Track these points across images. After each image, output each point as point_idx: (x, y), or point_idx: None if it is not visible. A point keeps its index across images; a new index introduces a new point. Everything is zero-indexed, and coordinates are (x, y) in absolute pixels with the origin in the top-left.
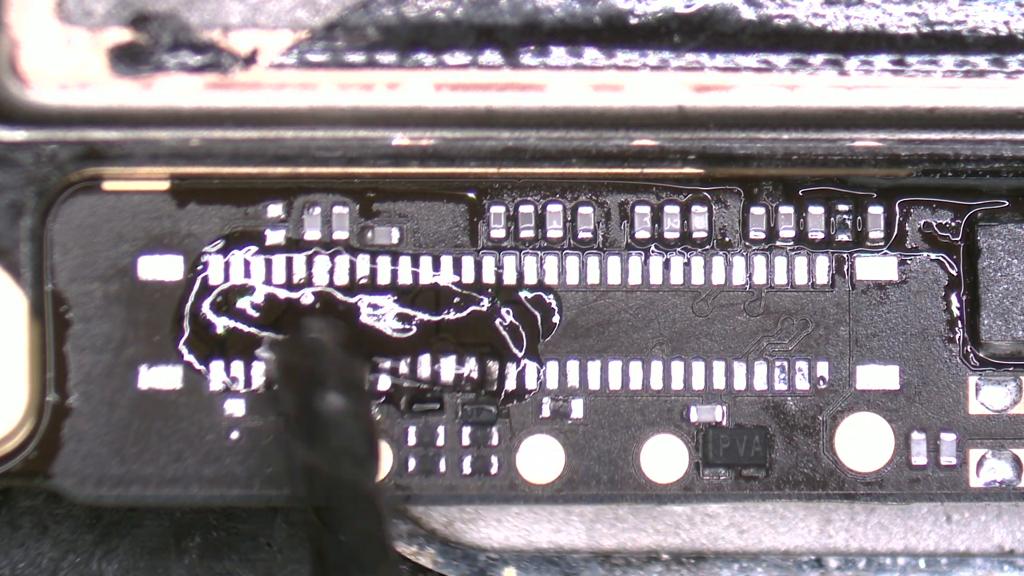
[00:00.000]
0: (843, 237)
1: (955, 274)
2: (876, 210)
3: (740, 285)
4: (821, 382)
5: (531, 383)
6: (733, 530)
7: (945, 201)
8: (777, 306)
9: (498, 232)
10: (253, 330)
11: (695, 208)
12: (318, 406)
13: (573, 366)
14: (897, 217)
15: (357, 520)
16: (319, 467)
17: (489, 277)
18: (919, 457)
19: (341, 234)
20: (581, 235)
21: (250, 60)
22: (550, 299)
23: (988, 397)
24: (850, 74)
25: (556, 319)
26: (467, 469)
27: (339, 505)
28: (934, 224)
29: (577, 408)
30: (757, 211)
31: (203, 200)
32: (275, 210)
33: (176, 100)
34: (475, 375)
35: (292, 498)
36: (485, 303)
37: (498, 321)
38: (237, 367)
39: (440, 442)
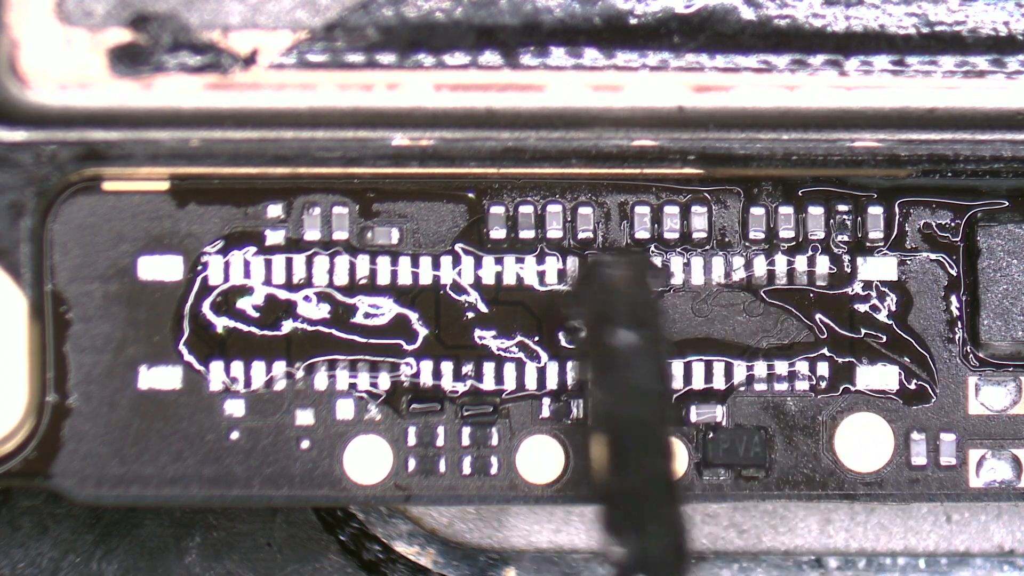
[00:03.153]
0: (843, 237)
1: (955, 274)
2: (876, 210)
3: (740, 285)
4: (821, 382)
5: (531, 383)
6: (733, 530)
7: (945, 201)
8: (777, 306)
9: (498, 233)
10: (253, 330)
11: (695, 208)
12: (608, 343)
13: (573, 366)
14: (897, 217)
15: (642, 459)
16: (607, 404)
17: (489, 278)
18: (919, 457)
19: (341, 234)
20: (581, 235)
21: (250, 60)
22: (550, 299)
23: (988, 397)
24: (850, 74)
25: (556, 319)
26: (467, 469)
27: (625, 443)
28: (934, 224)
29: (577, 408)
30: (757, 211)
31: (203, 200)
32: (275, 210)
33: (176, 100)
34: (472, 375)
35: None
36: (482, 304)
37: (499, 321)
38: (237, 367)
39: (440, 442)
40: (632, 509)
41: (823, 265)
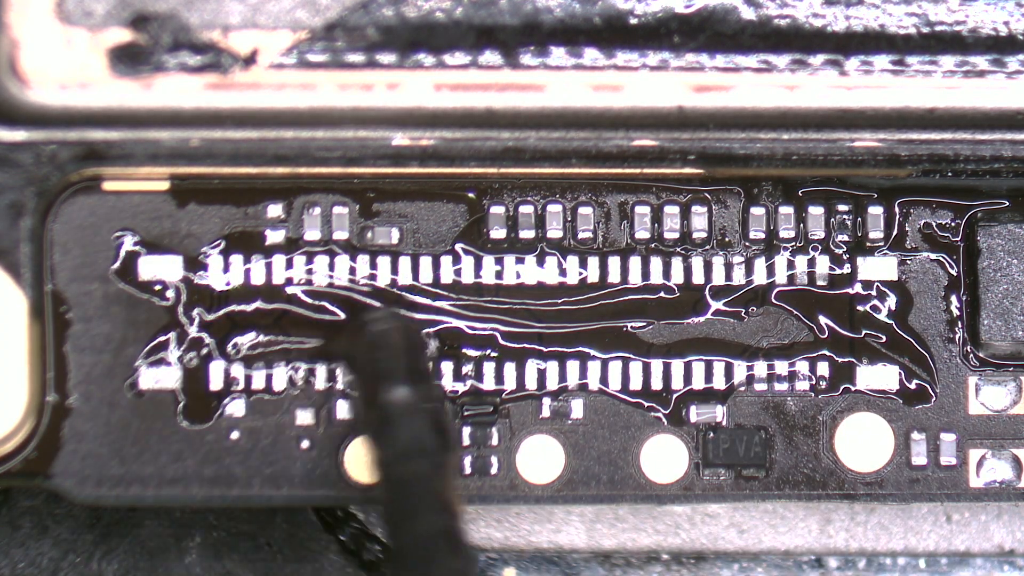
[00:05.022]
0: (843, 237)
1: (955, 274)
2: (876, 210)
3: (740, 285)
4: (821, 382)
5: (531, 383)
6: (733, 530)
7: (945, 201)
8: (777, 306)
9: (498, 233)
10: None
11: (695, 208)
12: (383, 401)
13: (573, 366)
14: (897, 217)
15: (426, 516)
16: (388, 463)
17: (489, 278)
18: (919, 457)
19: (341, 234)
20: (581, 235)
21: (250, 60)
22: (550, 300)
23: (988, 397)
24: (850, 74)
25: (556, 319)
26: (467, 469)
27: (409, 501)
28: (934, 224)
29: (577, 408)
30: (757, 211)
31: (203, 200)
32: (275, 210)
33: (176, 100)
34: (473, 375)
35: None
36: (484, 304)
37: (502, 321)
38: (237, 367)
39: None
40: (418, 567)
41: (823, 265)
